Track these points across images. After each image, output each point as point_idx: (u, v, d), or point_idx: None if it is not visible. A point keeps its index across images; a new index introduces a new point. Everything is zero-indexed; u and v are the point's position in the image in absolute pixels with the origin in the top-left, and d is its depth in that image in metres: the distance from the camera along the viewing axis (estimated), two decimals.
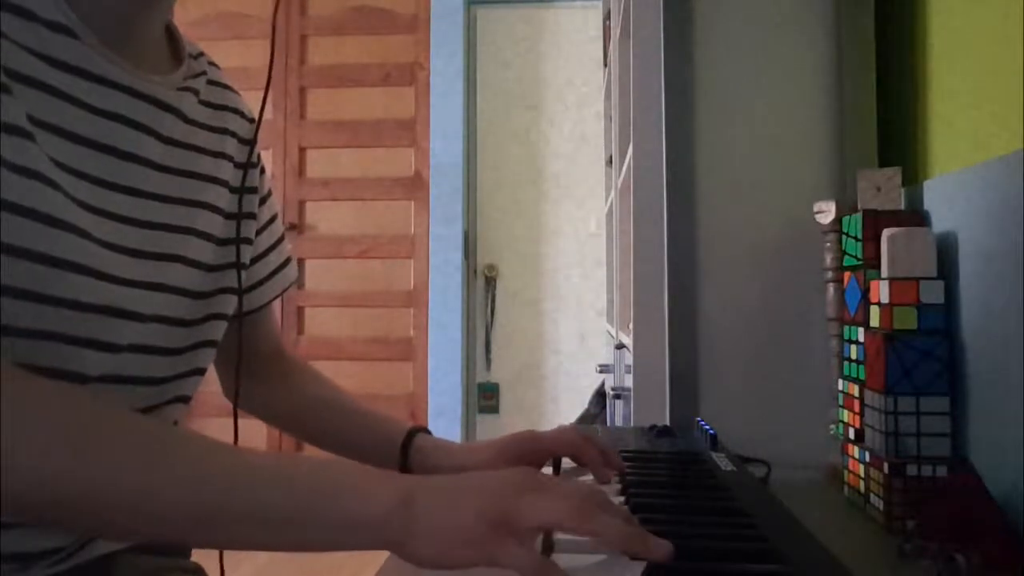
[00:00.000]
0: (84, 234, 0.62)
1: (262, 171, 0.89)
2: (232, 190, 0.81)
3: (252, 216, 0.85)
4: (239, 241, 0.79)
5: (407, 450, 0.86)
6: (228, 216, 0.80)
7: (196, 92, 0.76)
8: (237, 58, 3.67)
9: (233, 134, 0.82)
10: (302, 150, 3.77)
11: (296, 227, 3.73)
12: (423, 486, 0.53)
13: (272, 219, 0.91)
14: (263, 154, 0.92)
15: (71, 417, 0.51)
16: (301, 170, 3.78)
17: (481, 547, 0.50)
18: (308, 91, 3.78)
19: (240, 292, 0.79)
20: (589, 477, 0.80)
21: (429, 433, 0.88)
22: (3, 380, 0.50)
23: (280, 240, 0.92)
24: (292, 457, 0.56)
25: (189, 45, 0.79)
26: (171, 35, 0.77)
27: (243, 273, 0.83)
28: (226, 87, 0.84)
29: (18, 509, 0.50)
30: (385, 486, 0.52)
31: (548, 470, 0.84)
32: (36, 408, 0.51)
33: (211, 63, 0.83)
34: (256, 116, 0.88)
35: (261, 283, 0.89)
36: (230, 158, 0.81)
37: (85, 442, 0.50)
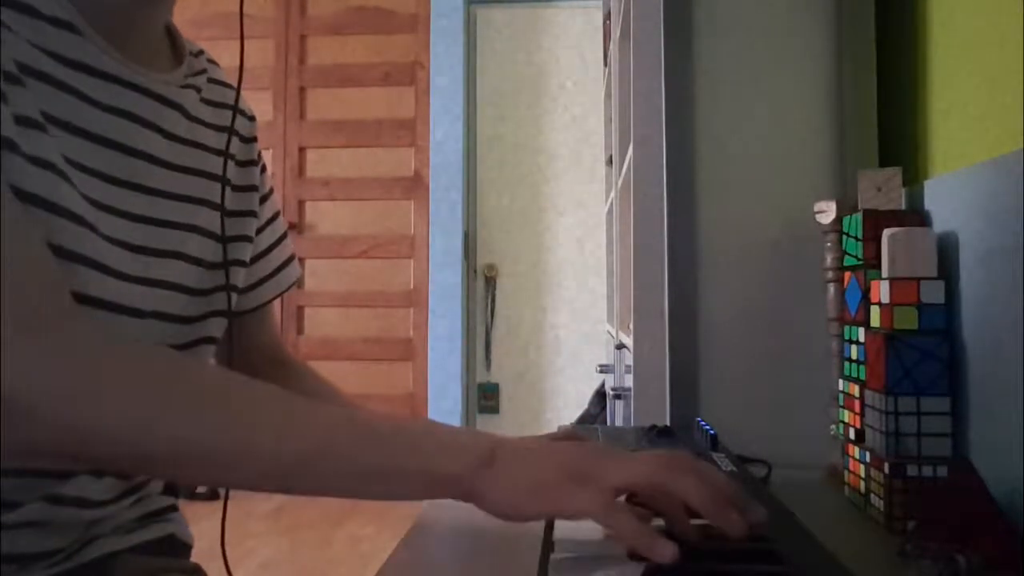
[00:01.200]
0: (91, 228, 0.62)
1: (263, 169, 0.89)
2: (233, 188, 0.81)
3: (252, 214, 0.84)
4: (226, 240, 0.79)
5: None
6: (230, 213, 0.80)
7: (198, 89, 0.76)
8: (237, 58, 3.67)
9: (235, 132, 0.82)
10: (302, 150, 3.77)
11: (296, 227, 3.73)
12: (506, 446, 0.55)
13: (273, 217, 0.90)
14: (262, 153, 0.92)
15: (179, 375, 0.55)
16: (301, 170, 3.78)
17: (554, 496, 0.51)
18: (308, 91, 3.78)
19: (229, 290, 0.79)
20: None
21: None
22: (107, 345, 0.54)
23: (282, 238, 0.92)
24: (380, 414, 0.59)
25: (188, 43, 0.79)
26: (171, 33, 0.77)
27: (243, 271, 0.83)
28: (227, 85, 0.84)
29: (115, 460, 0.55)
30: (469, 444, 0.55)
31: None
32: (139, 366, 0.54)
33: (211, 60, 0.83)
34: (254, 114, 0.88)
35: (262, 281, 0.89)
36: (231, 156, 0.81)
37: (195, 397, 0.54)
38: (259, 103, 3.70)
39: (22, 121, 0.58)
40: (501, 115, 3.80)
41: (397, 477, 0.54)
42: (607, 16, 2.72)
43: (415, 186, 3.72)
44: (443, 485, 0.54)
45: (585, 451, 0.54)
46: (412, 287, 3.72)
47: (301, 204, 3.77)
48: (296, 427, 0.54)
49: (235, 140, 0.82)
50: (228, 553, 0.78)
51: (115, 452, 0.53)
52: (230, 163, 0.80)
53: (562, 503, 0.51)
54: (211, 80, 0.80)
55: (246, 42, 3.74)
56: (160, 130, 0.70)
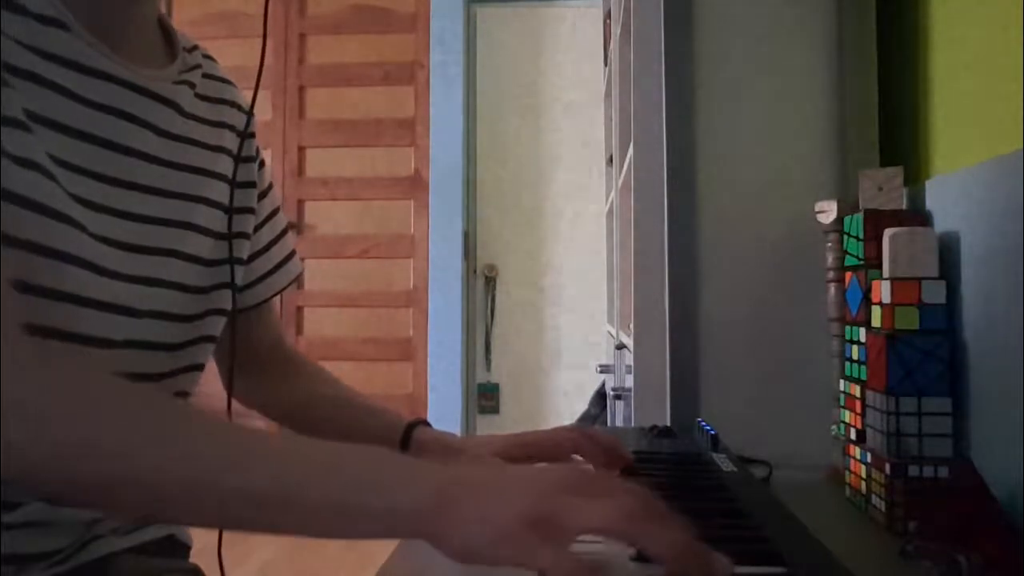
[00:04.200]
0: (81, 228, 0.61)
1: (261, 165, 0.88)
2: (231, 184, 0.81)
3: (250, 211, 0.84)
4: (231, 236, 0.78)
5: (406, 444, 0.85)
6: (227, 210, 0.79)
7: (192, 85, 0.76)
8: (236, 57, 3.65)
9: (231, 127, 0.81)
10: (301, 149, 3.77)
11: (295, 227, 3.73)
12: (463, 480, 0.51)
13: (273, 213, 0.90)
14: (260, 150, 0.92)
15: (116, 399, 0.53)
16: (300, 170, 3.77)
17: (514, 547, 0.48)
18: (307, 90, 3.78)
19: (234, 288, 0.78)
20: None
21: (429, 426, 0.87)
22: (27, 354, 0.51)
23: (283, 234, 0.92)
24: (328, 446, 0.55)
25: (183, 39, 0.78)
26: (164, 29, 0.76)
27: (243, 268, 0.82)
28: (223, 80, 0.83)
29: (47, 484, 0.51)
30: (420, 480, 0.51)
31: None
32: (76, 386, 0.52)
33: (206, 56, 0.82)
34: (253, 109, 0.88)
35: (263, 278, 0.89)
36: (228, 152, 0.80)
37: (132, 425, 0.51)
38: (258, 102, 3.68)
39: (7, 122, 0.57)
40: (501, 115, 3.80)
41: (341, 515, 0.51)
42: (607, 16, 2.72)
43: (415, 186, 3.72)
44: (391, 523, 0.50)
45: (548, 489, 0.50)
46: (412, 287, 3.72)
47: (300, 204, 3.77)
48: (237, 465, 0.51)
49: (231, 135, 0.81)
50: (227, 554, 0.78)
51: (51, 480, 0.51)
52: (227, 159, 0.80)
53: (521, 557, 0.47)
54: (206, 75, 0.80)
55: (245, 41, 3.76)
56: (153, 127, 0.70)
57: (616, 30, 2.11)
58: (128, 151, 0.67)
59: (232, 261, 0.78)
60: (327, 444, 0.54)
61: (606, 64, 2.81)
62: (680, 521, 0.50)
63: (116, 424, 0.51)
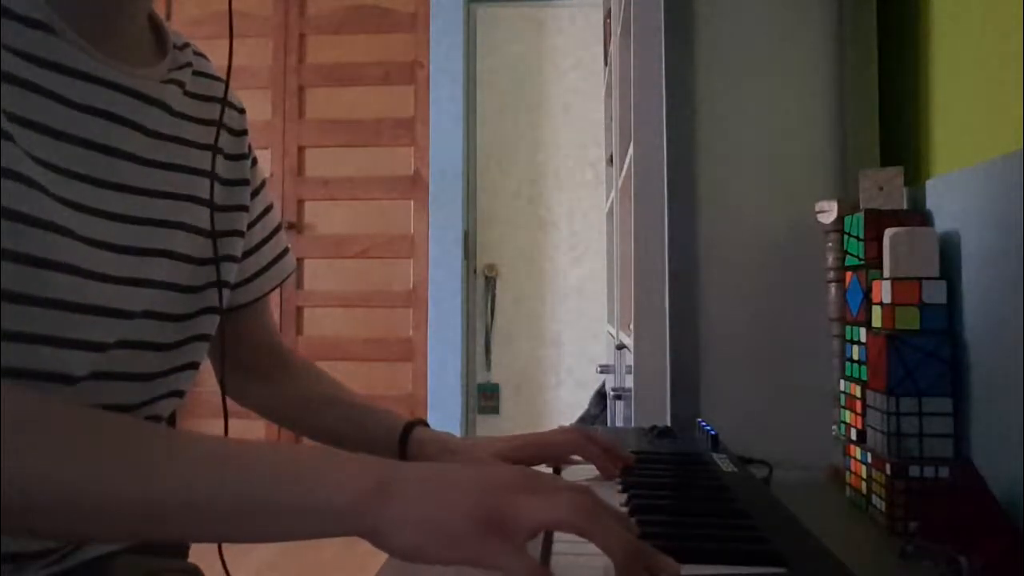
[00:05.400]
0: (68, 232, 0.61)
1: (254, 162, 0.88)
2: (222, 182, 0.80)
3: (243, 208, 0.83)
4: (215, 235, 0.77)
5: (405, 444, 0.85)
6: (218, 208, 0.79)
7: (182, 84, 0.75)
8: (236, 56, 3.64)
9: (223, 125, 0.81)
10: (301, 149, 3.77)
11: (295, 227, 3.73)
12: (405, 474, 0.50)
13: (265, 211, 0.89)
14: (261, 153, 0.91)
15: (28, 422, 0.49)
16: (300, 169, 3.77)
17: (466, 546, 0.47)
18: (307, 90, 3.77)
19: (220, 286, 0.78)
20: (594, 475, 0.80)
21: (427, 426, 0.87)
22: None
23: (275, 231, 0.91)
24: (258, 444, 0.53)
25: (174, 36, 0.77)
26: (155, 26, 0.75)
27: (235, 266, 0.82)
28: (214, 77, 0.82)
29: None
30: (356, 472, 0.49)
31: (548, 472, 0.83)
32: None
33: (197, 53, 0.81)
34: (245, 107, 0.87)
35: (256, 276, 0.88)
36: (220, 150, 0.80)
37: (38, 442, 0.48)
38: (258, 102, 3.70)
39: None
40: (501, 114, 3.80)
41: (277, 514, 0.48)
42: (607, 16, 2.72)
43: (415, 186, 3.72)
44: (327, 521, 0.48)
45: (495, 488, 0.48)
46: (412, 287, 3.71)
47: (300, 204, 3.76)
48: (157, 468, 0.49)
49: (223, 133, 0.81)
50: (227, 553, 0.78)
51: None
52: (219, 157, 0.79)
53: (474, 558, 0.46)
54: (196, 73, 0.79)
55: (243, 41, 3.76)
56: (141, 127, 0.69)
57: (616, 30, 2.11)
58: (116, 152, 0.67)
59: (218, 259, 0.77)
60: (261, 444, 0.53)
61: (606, 64, 2.81)
62: (628, 521, 0.52)
63: (17, 448, 0.48)
